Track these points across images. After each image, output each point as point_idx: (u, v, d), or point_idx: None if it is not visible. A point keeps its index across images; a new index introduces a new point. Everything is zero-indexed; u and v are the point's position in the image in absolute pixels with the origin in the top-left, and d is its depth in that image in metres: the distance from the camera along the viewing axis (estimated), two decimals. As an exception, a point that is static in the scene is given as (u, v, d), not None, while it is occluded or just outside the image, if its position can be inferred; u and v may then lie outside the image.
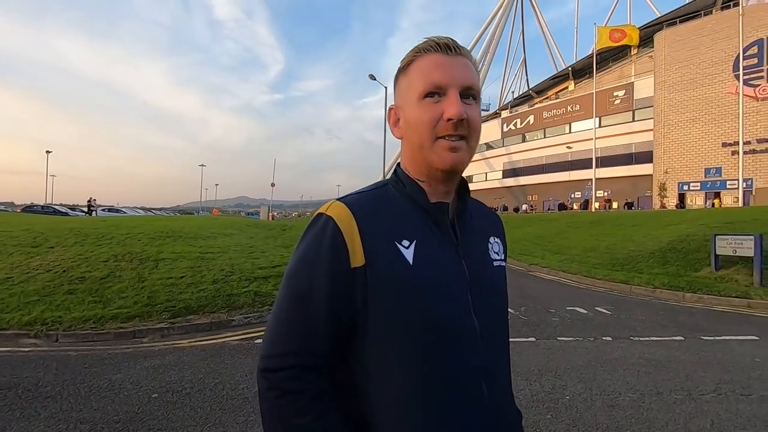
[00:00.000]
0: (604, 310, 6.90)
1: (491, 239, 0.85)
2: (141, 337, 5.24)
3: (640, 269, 10.03)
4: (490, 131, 53.09)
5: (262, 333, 0.77)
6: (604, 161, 37.52)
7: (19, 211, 37.30)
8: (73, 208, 41.65)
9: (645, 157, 35.86)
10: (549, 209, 39.36)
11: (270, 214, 37.47)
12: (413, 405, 0.68)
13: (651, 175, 34.69)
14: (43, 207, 37.03)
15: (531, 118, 47.82)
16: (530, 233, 18.10)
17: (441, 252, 0.74)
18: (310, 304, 0.70)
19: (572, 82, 48.46)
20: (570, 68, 48.57)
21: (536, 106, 49.81)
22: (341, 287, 0.69)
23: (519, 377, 3.90)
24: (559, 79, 51.12)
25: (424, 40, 0.77)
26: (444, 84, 0.72)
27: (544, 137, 45.89)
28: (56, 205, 43.87)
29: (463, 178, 0.82)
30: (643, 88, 36.84)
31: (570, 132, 43.13)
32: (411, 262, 0.70)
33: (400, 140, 0.80)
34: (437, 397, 0.69)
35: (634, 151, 37.59)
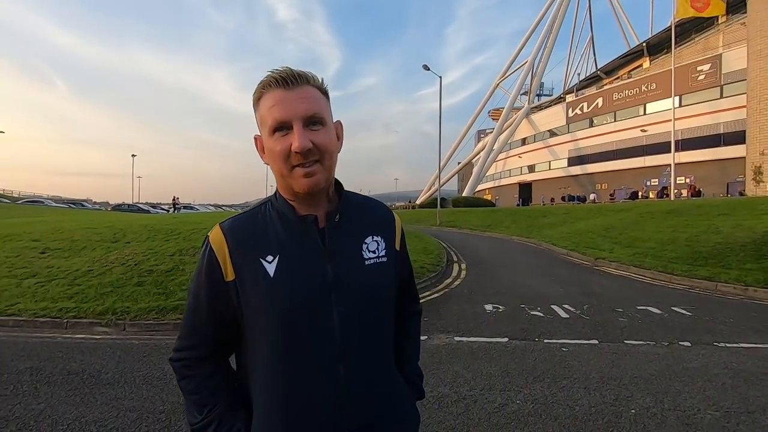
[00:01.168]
0: (683, 311, 6.14)
1: (369, 239, 0.94)
2: (197, 328, 5.48)
3: (729, 264, 8.84)
4: (553, 117, 50.13)
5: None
6: (685, 144, 33.86)
7: (110, 209, 41.57)
8: (154, 206, 45.63)
9: (736, 137, 31.82)
10: (623, 199, 36.41)
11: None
12: (274, 384, 0.86)
13: (743, 157, 30.75)
14: (129, 205, 40.93)
15: (599, 101, 44.40)
16: (597, 225, 16.77)
17: (303, 261, 0.87)
18: (198, 311, 0.90)
19: (647, 59, 44.23)
20: (644, 44, 44.33)
21: (605, 87, 46.15)
22: (219, 296, 0.87)
23: (576, 384, 3.53)
24: (632, 56, 46.88)
25: (268, 74, 0.84)
26: (286, 119, 0.81)
27: (615, 121, 42.40)
28: (141, 203, 48.26)
29: (339, 183, 0.95)
30: (734, 60, 32.60)
31: (644, 114, 39.44)
32: (272, 275, 0.84)
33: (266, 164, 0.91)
34: (292, 376, 0.85)
35: (722, 131, 33.51)
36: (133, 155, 59.89)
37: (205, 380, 0.90)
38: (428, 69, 27.25)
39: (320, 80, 0.87)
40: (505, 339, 4.81)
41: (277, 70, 0.84)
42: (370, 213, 0.98)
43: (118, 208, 40.28)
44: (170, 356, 0.93)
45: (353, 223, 0.93)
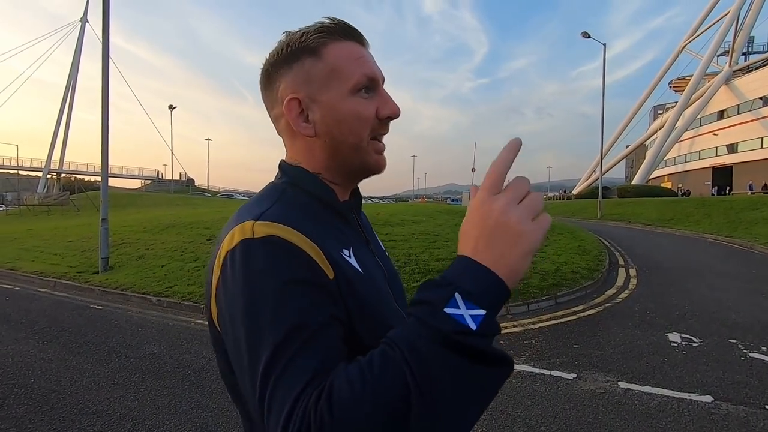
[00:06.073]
0: None
1: (373, 229, 0.83)
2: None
3: None
4: (770, 80, 38.41)
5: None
6: None
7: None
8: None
9: None
10: None
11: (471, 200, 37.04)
12: None
13: None
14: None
15: None
16: None
17: (366, 254, 0.70)
18: (316, 320, 0.52)
19: None
20: None
21: None
22: (334, 298, 0.55)
23: None
24: None
25: (328, 20, 0.67)
26: (377, 78, 0.68)
27: None
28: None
29: None
30: None
31: None
32: (360, 271, 0.64)
33: (309, 138, 0.67)
34: None
35: None
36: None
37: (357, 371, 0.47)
38: (589, 36, 23.39)
39: None
40: (708, 398, 3.17)
41: (341, 21, 0.67)
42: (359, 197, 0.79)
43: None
44: (286, 414, 0.45)
45: (362, 213, 0.80)
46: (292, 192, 0.66)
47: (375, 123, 0.67)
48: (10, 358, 4.04)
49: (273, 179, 0.70)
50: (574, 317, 5.24)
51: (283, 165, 0.70)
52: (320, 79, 0.65)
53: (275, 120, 0.70)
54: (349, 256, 0.64)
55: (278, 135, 0.72)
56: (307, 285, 0.53)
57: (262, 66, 0.69)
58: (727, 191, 37.81)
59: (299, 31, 0.67)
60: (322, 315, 0.52)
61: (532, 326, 4.92)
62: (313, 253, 0.56)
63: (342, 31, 0.67)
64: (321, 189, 0.67)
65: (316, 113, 0.66)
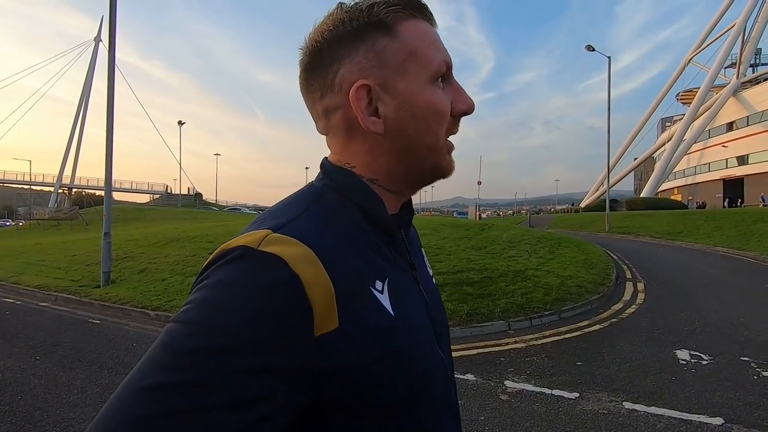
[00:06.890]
0: None
1: (422, 249, 0.70)
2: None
3: None
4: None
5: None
6: None
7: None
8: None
9: None
10: None
11: (477, 213, 36.96)
12: None
13: None
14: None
15: None
16: None
17: (406, 283, 0.56)
18: (253, 404, 0.39)
19: None
20: None
21: None
22: (298, 367, 0.42)
23: None
24: None
25: None
26: (451, 66, 0.57)
27: None
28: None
29: None
30: None
31: None
32: (392, 313, 0.50)
33: (376, 135, 0.54)
34: None
35: None
36: (306, 168, 68.71)
37: None
38: (593, 50, 23.43)
39: None
40: (718, 420, 3.00)
41: None
42: (410, 210, 0.64)
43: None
44: None
45: (412, 228, 0.66)
46: (331, 197, 0.55)
47: (450, 120, 0.57)
48: (0, 374, 3.98)
49: (314, 179, 0.60)
50: (579, 333, 5.08)
51: (326, 165, 0.58)
52: (396, 63, 0.54)
53: (325, 113, 0.56)
54: (382, 291, 0.51)
55: (321, 133, 0.59)
56: (266, 347, 0.40)
57: (305, 44, 0.56)
58: (738, 203, 37.23)
59: (362, 1, 0.54)
60: (268, 391, 0.40)
61: (534, 342, 4.77)
62: (318, 296, 0.43)
63: (415, 6, 0.55)
64: (370, 199, 0.56)
65: (389, 106, 0.54)
